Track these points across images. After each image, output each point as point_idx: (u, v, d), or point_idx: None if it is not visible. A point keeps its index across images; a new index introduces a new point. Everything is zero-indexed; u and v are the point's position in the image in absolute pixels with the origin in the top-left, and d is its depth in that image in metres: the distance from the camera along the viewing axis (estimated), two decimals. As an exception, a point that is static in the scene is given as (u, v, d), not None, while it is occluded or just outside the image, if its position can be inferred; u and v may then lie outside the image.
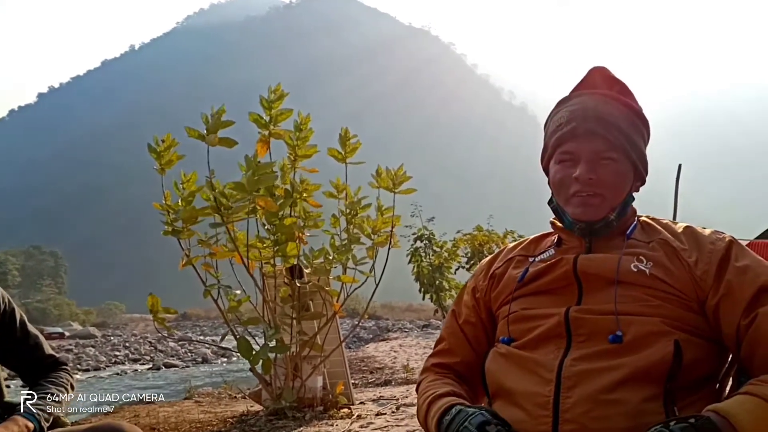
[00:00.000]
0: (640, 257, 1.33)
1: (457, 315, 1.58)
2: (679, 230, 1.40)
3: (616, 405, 1.17)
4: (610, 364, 1.21)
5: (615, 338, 1.24)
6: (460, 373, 1.53)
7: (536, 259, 1.48)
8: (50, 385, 1.98)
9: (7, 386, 2.06)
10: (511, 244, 1.62)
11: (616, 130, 1.37)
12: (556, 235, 1.52)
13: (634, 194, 1.46)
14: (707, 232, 1.39)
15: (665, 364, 1.19)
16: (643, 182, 1.45)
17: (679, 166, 7.71)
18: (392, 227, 5.06)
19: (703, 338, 1.27)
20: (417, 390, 1.54)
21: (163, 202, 4.78)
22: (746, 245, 1.38)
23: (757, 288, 1.24)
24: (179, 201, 4.76)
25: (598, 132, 1.36)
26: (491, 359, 1.41)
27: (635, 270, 1.31)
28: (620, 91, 1.46)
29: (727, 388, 1.37)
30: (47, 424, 1.85)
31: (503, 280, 1.50)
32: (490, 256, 1.64)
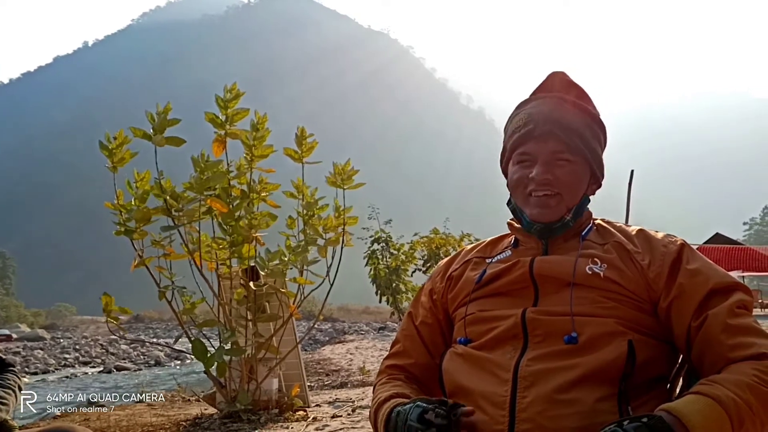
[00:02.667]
0: (595, 259, 1.35)
1: (413, 317, 1.59)
2: (633, 233, 1.43)
3: (570, 405, 1.18)
4: (566, 364, 1.23)
5: (570, 339, 1.26)
6: (413, 374, 1.53)
7: (493, 261, 1.49)
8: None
9: None
10: (469, 246, 1.63)
11: (572, 133, 1.39)
12: (513, 237, 1.53)
13: (591, 198, 1.49)
14: (660, 235, 1.42)
15: (619, 364, 1.21)
16: (599, 185, 1.48)
17: (632, 171, 7.90)
18: (344, 225, 5.05)
19: (655, 339, 1.29)
20: (375, 384, 1.54)
21: (116, 201, 4.69)
22: (696, 249, 1.42)
23: (708, 291, 1.27)
24: (132, 200, 4.67)
25: (555, 134, 1.39)
26: (448, 359, 1.41)
27: (590, 272, 1.33)
28: (578, 95, 1.48)
29: (678, 388, 1.40)
30: None
31: (460, 282, 1.51)
32: (447, 258, 1.64)
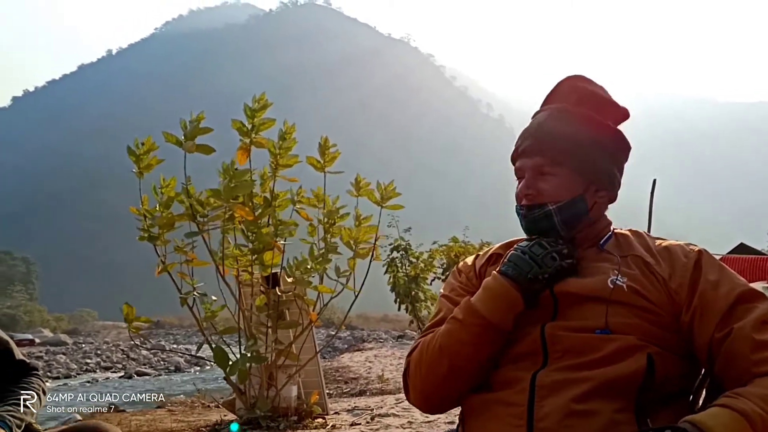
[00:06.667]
0: (617, 273, 1.34)
1: (449, 298, 1.53)
2: (653, 244, 1.42)
3: (588, 415, 1.18)
4: (584, 375, 1.23)
5: (602, 331, 1.27)
6: None
7: None
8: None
9: None
10: (495, 246, 1.62)
11: (557, 145, 1.41)
12: None
13: (609, 207, 1.49)
14: (680, 245, 1.41)
15: (638, 376, 1.21)
16: (608, 194, 1.46)
17: (654, 181, 7.83)
18: (375, 240, 5.07)
19: (676, 354, 1.29)
20: (405, 373, 1.49)
21: (141, 206, 4.74)
22: (719, 259, 1.41)
23: (731, 302, 1.26)
24: (157, 206, 4.72)
25: (538, 148, 1.43)
26: None
27: (612, 286, 1.32)
28: (579, 100, 1.48)
29: (701, 401, 1.38)
30: (19, 431, 1.83)
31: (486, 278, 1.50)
32: (469, 258, 1.63)
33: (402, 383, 1.53)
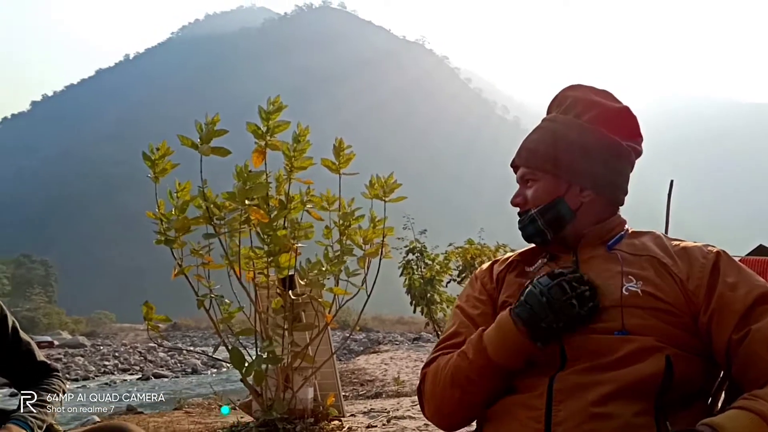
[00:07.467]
0: (630, 277, 1.34)
1: (463, 309, 1.55)
2: (669, 245, 1.42)
3: (607, 418, 1.18)
4: (602, 378, 1.22)
5: (620, 332, 1.27)
6: None
7: (533, 269, 1.51)
8: (43, 392, 1.98)
9: None
10: (508, 254, 1.64)
11: (536, 154, 1.49)
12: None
13: (626, 208, 1.50)
14: (698, 246, 1.40)
15: (656, 378, 1.21)
16: (590, 191, 1.47)
17: (671, 181, 7.77)
18: (383, 237, 5.06)
19: (695, 354, 1.28)
20: (419, 388, 1.50)
21: (156, 210, 4.77)
22: (739, 260, 1.40)
23: (749, 303, 1.25)
24: (173, 210, 4.75)
25: (521, 161, 1.53)
26: None
27: (626, 293, 1.32)
28: (566, 109, 1.53)
29: (720, 403, 1.38)
30: None
31: (505, 284, 1.53)
32: (486, 264, 1.65)
33: (417, 394, 1.54)
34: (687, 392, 1.25)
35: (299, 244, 4.84)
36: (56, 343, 32.24)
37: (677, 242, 1.43)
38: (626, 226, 1.50)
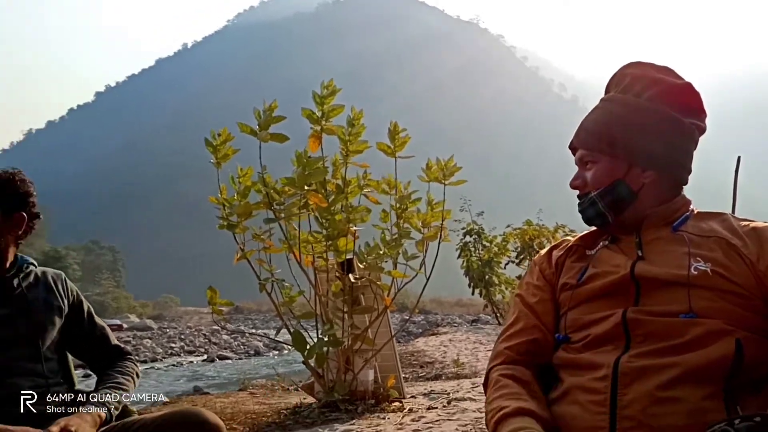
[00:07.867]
0: (698, 257, 1.31)
1: (523, 298, 1.55)
2: (737, 225, 1.37)
3: (675, 402, 1.16)
4: (669, 362, 1.20)
5: (687, 315, 1.25)
6: (531, 351, 1.47)
7: (594, 253, 1.49)
8: (118, 375, 2.06)
9: None
10: (567, 238, 1.63)
11: (594, 135, 1.47)
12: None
13: (690, 188, 1.46)
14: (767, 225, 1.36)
15: (726, 362, 1.18)
16: (652, 171, 1.43)
17: (738, 158, 7.51)
18: (442, 220, 5.05)
19: (766, 338, 1.24)
20: (485, 385, 1.49)
21: (219, 196, 4.87)
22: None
23: None
24: (235, 195, 4.85)
25: (580, 140, 1.51)
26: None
27: (695, 272, 1.29)
28: (625, 88, 1.49)
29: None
30: (117, 413, 1.93)
31: (564, 268, 1.52)
32: (545, 250, 1.63)
33: (482, 382, 1.54)
34: (757, 376, 1.21)
35: (355, 227, 4.87)
36: (125, 326, 33.31)
37: (746, 222, 1.38)
38: (691, 207, 1.47)
